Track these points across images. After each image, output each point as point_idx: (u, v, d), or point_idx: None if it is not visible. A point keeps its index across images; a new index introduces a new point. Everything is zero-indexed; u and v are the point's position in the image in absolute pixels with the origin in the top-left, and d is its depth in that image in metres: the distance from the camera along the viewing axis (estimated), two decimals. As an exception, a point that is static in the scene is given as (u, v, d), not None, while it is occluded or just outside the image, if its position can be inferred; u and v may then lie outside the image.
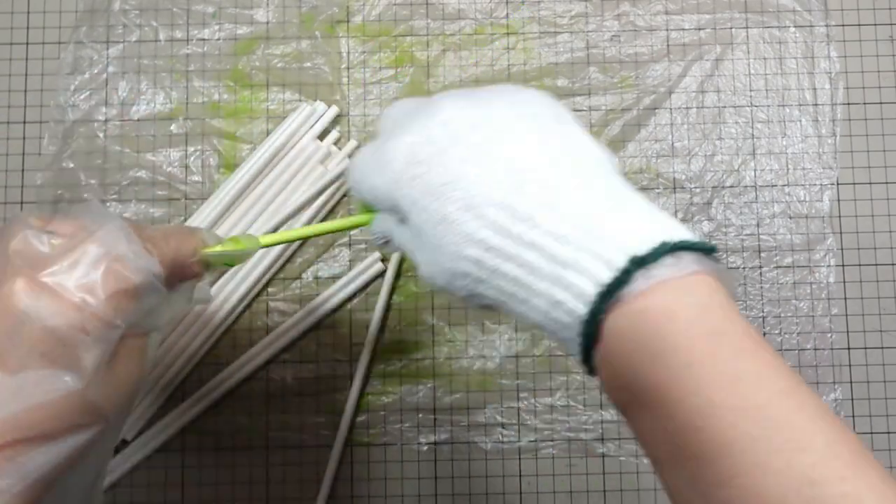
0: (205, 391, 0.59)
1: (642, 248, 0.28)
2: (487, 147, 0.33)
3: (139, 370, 0.36)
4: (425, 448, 0.60)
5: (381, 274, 0.61)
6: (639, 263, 0.28)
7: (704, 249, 0.29)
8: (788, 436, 0.26)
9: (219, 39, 0.63)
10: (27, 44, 0.63)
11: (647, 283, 0.28)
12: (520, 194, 0.31)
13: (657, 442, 0.30)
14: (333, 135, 0.62)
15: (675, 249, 0.28)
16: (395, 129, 0.36)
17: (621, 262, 0.28)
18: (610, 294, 0.28)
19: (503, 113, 0.34)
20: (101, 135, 0.62)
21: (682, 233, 0.29)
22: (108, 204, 0.61)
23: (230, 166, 0.62)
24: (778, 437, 0.26)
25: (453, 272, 0.33)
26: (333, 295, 0.61)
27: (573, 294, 0.29)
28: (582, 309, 0.29)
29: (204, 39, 0.63)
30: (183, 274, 0.38)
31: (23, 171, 0.62)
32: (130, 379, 0.35)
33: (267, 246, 0.43)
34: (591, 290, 0.28)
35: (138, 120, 0.62)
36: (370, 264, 0.61)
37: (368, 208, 0.40)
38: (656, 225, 0.30)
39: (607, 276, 0.28)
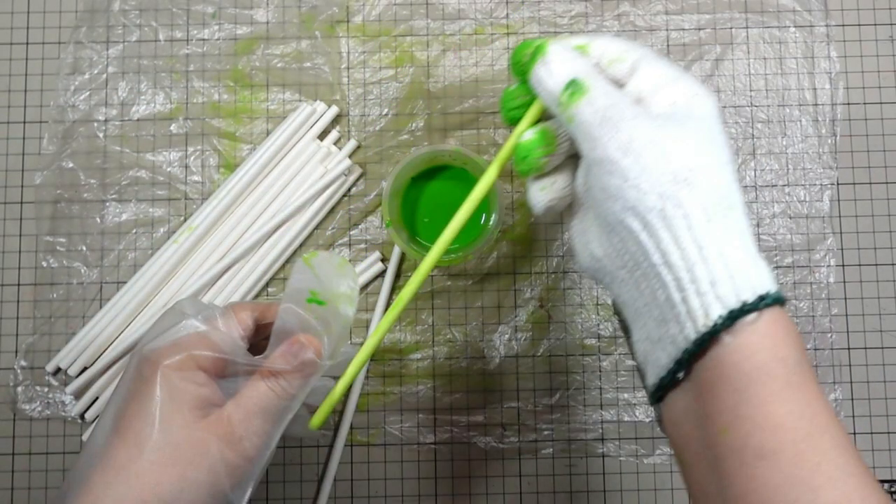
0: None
1: (770, 288, 0.33)
2: (715, 144, 0.36)
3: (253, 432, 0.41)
4: (425, 448, 0.60)
5: (381, 274, 0.61)
6: (774, 300, 0.32)
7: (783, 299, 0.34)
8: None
9: (218, 39, 0.63)
10: (27, 44, 0.63)
11: (771, 316, 0.32)
12: (680, 205, 0.34)
13: (700, 457, 0.34)
14: (333, 135, 0.62)
15: (777, 302, 0.33)
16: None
17: (762, 291, 0.32)
18: (745, 312, 0.32)
19: (711, 125, 0.37)
20: (101, 135, 0.62)
21: (771, 284, 0.33)
22: (107, 204, 0.61)
23: (230, 166, 0.62)
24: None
25: (610, 228, 0.36)
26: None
27: (717, 297, 0.32)
28: (719, 310, 0.32)
29: (204, 39, 0.63)
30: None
31: (23, 171, 0.62)
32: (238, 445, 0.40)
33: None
34: (734, 301, 0.32)
35: (138, 120, 0.62)
36: (370, 264, 0.61)
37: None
38: (773, 275, 0.34)
39: (750, 297, 0.32)
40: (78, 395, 0.59)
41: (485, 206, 0.57)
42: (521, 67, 0.39)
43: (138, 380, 0.39)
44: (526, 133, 0.40)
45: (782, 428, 0.31)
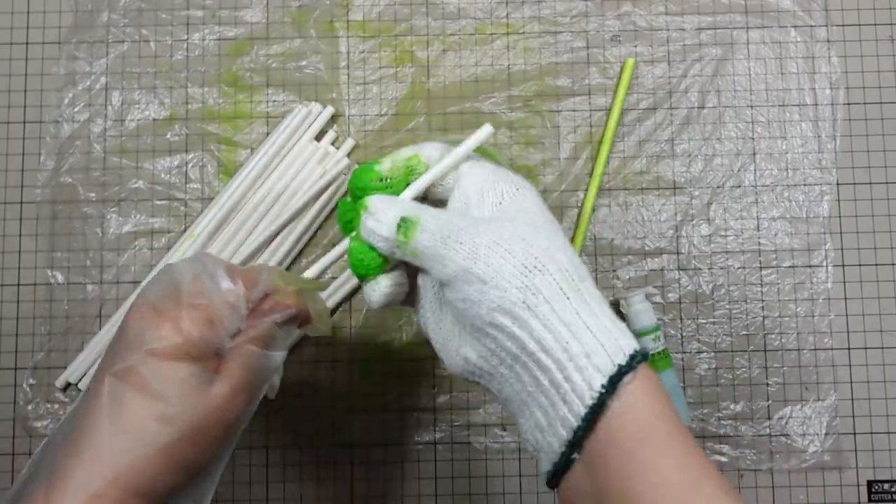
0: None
1: (635, 346, 0.35)
2: (548, 230, 0.38)
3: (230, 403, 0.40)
4: (425, 448, 0.60)
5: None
6: (643, 357, 0.34)
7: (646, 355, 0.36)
8: None
9: (209, 43, 0.63)
10: (27, 44, 0.63)
11: (644, 373, 0.34)
12: (538, 294, 0.36)
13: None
14: (331, 135, 0.62)
15: (644, 358, 0.35)
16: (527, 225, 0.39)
17: (632, 351, 0.34)
18: (622, 374, 0.34)
19: (533, 202, 0.39)
20: (98, 147, 0.62)
21: (634, 342, 0.35)
22: (108, 216, 0.61)
23: (229, 172, 0.62)
24: None
25: (480, 333, 0.37)
26: (332, 295, 0.61)
27: (596, 368, 0.34)
28: (601, 379, 0.34)
29: (195, 44, 0.63)
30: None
31: (22, 171, 0.62)
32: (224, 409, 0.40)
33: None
34: (610, 368, 0.34)
35: (135, 130, 0.62)
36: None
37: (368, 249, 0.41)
38: (629, 336, 0.35)
39: (623, 360, 0.34)
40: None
41: None
42: (348, 226, 0.42)
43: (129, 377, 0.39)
44: (354, 240, 0.41)
45: (670, 483, 0.32)
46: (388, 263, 0.40)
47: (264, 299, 0.43)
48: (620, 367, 0.34)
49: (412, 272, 0.41)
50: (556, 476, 0.36)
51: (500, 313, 0.36)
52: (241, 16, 0.63)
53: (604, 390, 0.33)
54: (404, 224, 0.39)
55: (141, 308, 0.39)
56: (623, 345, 0.34)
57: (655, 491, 0.32)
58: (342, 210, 0.43)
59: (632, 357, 0.34)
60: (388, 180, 0.41)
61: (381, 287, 0.41)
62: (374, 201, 0.40)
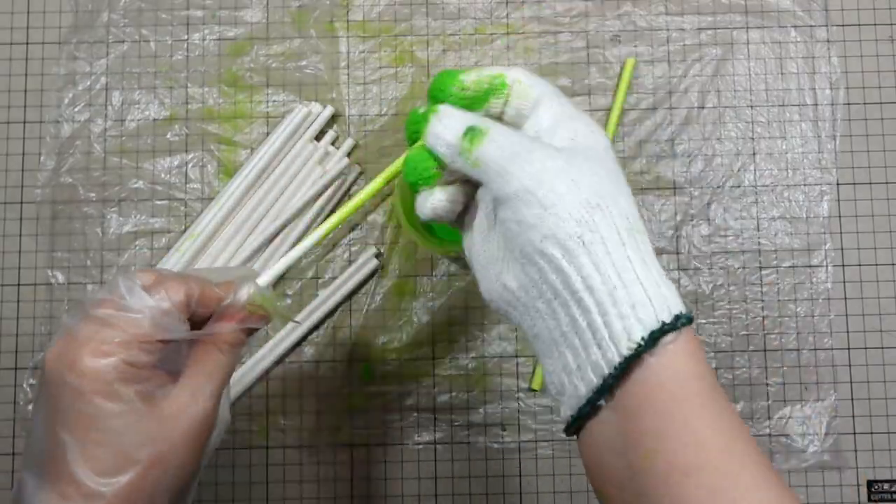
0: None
1: (682, 308, 0.34)
2: (616, 175, 0.37)
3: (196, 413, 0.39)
4: (425, 448, 0.60)
5: (377, 270, 0.61)
6: (688, 319, 0.33)
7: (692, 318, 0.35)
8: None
9: (209, 43, 0.63)
10: (27, 44, 0.63)
11: (685, 335, 0.33)
12: (592, 226, 0.35)
13: (620, 473, 0.34)
14: (330, 135, 0.62)
15: (688, 321, 0.34)
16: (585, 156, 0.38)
17: (677, 311, 0.33)
18: (664, 332, 0.33)
19: (604, 142, 0.38)
20: (98, 147, 0.62)
21: (682, 304, 0.34)
22: (108, 216, 0.61)
23: (229, 172, 0.62)
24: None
25: (527, 260, 0.36)
26: (331, 295, 0.61)
27: (639, 320, 0.33)
28: (641, 331, 0.33)
29: (195, 44, 0.63)
30: (205, 308, 0.41)
31: (22, 171, 0.62)
32: (185, 419, 0.38)
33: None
34: (654, 323, 0.33)
35: (135, 129, 0.62)
36: (365, 262, 0.61)
37: (430, 166, 0.40)
38: (677, 298, 0.35)
39: (668, 318, 0.33)
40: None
41: None
42: (415, 136, 0.40)
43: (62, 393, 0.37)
44: (416, 147, 0.40)
45: (705, 444, 0.32)
46: (442, 177, 0.39)
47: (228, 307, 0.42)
48: (664, 324, 0.33)
49: (470, 191, 0.40)
50: (577, 421, 0.35)
51: (553, 243, 0.35)
52: (241, 16, 0.63)
53: (643, 342, 0.33)
54: (471, 132, 0.37)
55: (56, 348, 0.37)
56: (671, 304, 0.33)
57: (688, 451, 0.32)
58: (412, 118, 0.41)
59: (677, 317, 0.33)
60: (469, 91, 0.39)
61: (434, 198, 0.40)
62: (446, 108, 0.39)
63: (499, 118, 0.40)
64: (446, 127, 0.38)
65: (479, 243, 0.40)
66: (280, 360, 0.61)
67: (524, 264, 0.36)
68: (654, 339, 0.32)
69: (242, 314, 0.42)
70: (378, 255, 0.61)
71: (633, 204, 0.36)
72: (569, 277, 0.34)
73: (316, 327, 0.61)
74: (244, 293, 0.42)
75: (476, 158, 0.37)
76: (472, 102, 0.39)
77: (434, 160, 0.39)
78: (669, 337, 0.33)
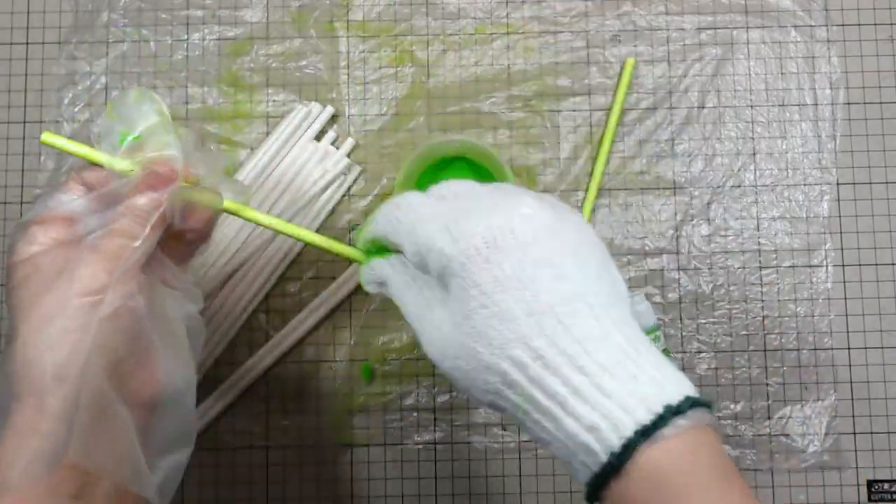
0: (210, 402, 0.59)
1: (675, 399, 0.31)
2: (561, 259, 0.34)
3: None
4: (425, 448, 0.60)
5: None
6: (673, 412, 0.31)
7: (708, 404, 0.32)
8: None
9: (209, 42, 0.63)
10: (27, 44, 0.63)
11: (674, 431, 0.30)
12: (577, 316, 0.33)
13: None
14: (330, 135, 0.62)
15: (696, 404, 0.31)
16: (473, 203, 0.37)
17: (658, 408, 0.30)
18: (644, 434, 0.30)
19: (574, 229, 0.36)
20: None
21: (691, 388, 0.32)
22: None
23: (228, 172, 0.62)
24: None
25: (488, 366, 0.34)
26: (331, 295, 0.61)
27: (610, 424, 0.31)
28: (616, 441, 0.31)
29: (195, 44, 0.63)
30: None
31: (22, 171, 0.62)
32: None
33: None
34: (630, 425, 0.30)
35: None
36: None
37: (377, 248, 0.41)
38: (681, 379, 0.32)
39: (646, 417, 0.30)
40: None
41: None
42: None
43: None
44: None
45: None
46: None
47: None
48: (629, 438, 0.30)
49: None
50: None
51: (497, 397, 0.34)
52: (241, 16, 0.63)
53: (613, 458, 0.31)
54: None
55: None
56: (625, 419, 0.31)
57: None
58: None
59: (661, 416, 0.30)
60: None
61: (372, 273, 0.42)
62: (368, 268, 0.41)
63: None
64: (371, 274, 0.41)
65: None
66: (280, 360, 0.60)
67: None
68: (628, 450, 0.30)
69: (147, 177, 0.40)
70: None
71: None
72: (527, 415, 0.33)
73: (316, 327, 0.61)
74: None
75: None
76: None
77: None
78: (650, 442, 0.30)
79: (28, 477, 0.34)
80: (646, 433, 0.30)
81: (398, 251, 0.39)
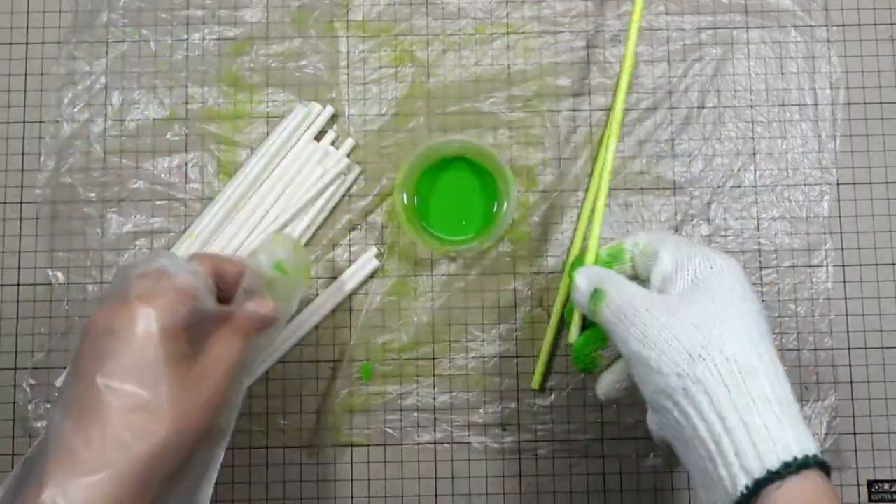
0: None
1: (803, 452, 0.35)
2: (727, 306, 0.39)
3: (215, 389, 0.42)
4: (425, 448, 0.60)
5: (378, 270, 0.61)
6: (801, 465, 0.34)
7: (827, 464, 0.36)
8: None
9: (209, 42, 0.63)
10: (27, 44, 0.63)
11: (799, 482, 0.34)
12: (757, 378, 0.37)
13: None
14: (330, 135, 0.62)
15: (819, 463, 0.35)
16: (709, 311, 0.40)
17: (788, 458, 0.34)
18: (770, 480, 0.34)
19: (740, 278, 0.41)
20: (98, 147, 0.62)
21: (814, 445, 0.36)
22: (108, 216, 0.61)
23: (228, 172, 0.62)
24: None
25: (679, 372, 0.38)
26: (332, 296, 0.61)
27: (742, 468, 0.35)
28: (745, 480, 0.35)
29: (195, 44, 0.63)
30: (227, 283, 0.46)
31: (22, 170, 0.62)
32: (204, 399, 0.42)
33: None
34: (758, 470, 0.34)
35: (135, 129, 0.62)
36: (365, 262, 0.61)
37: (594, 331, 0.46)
38: (809, 435, 0.36)
39: (775, 465, 0.34)
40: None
41: (496, 195, 0.57)
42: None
43: (113, 331, 0.39)
44: (575, 333, 0.46)
45: None
46: (604, 360, 0.45)
47: (252, 293, 0.46)
48: (769, 472, 0.34)
49: None
50: None
51: (664, 396, 0.38)
52: (241, 16, 0.63)
53: (745, 490, 0.34)
54: (596, 296, 0.42)
55: (104, 306, 0.40)
56: (780, 450, 0.35)
57: None
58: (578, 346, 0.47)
59: (787, 465, 0.34)
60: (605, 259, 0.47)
61: (604, 383, 0.45)
62: (580, 273, 0.45)
63: (634, 275, 0.46)
64: (579, 291, 0.44)
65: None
66: (280, 360, 0.60)
67: (654, 411, 0.40)
68: (758, 486, 0.34)
69: (259, 302, 0.46)
70: (378, 256, 0.61)
71: (749, 342, 0.38)
72: (682, 426, 0.38)
73: (316, 327, 0.61)
74: (254, 271, 0.47)
75: (600, 319, 0.42)
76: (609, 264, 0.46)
77: (591, 345, 0.45)
78: (775, 485, 0.34)
79: None
80: (770, 478, 0.34)
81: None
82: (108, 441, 0.37)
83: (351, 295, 0.61)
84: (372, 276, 0.61)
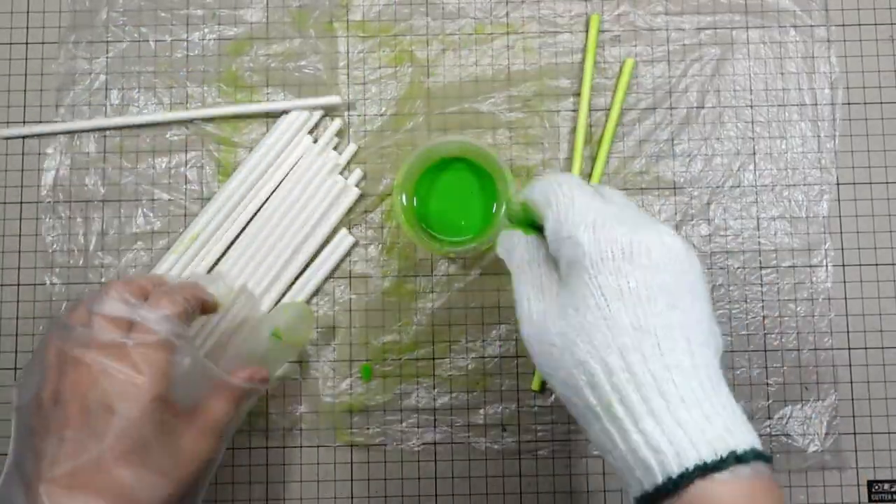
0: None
1: (741, 447, 0.33)
2: (678, 291, 0.37)
3: (205, 447, 0.47)
4: (425, 448, 0.60)
5: (354, 246, 0.61)
6: (736, 459, 0.32)
7: (770, 459, 0.34)
8: None
9: (209, 42, 0.63)
10: (27, 44, 0.63)
11: (731, 477, 0.32)
12: (675, 347, 0.35)
13: None
14: (329, 135, 0.62)
15: (760, 458, 0.33)
16: (626, 215, 0.39)
17: (724, 451, 0.32)
18: (704, 470, 0.32)
19: (696, 270, 0.38)
20: (98, 147, 0.62)
21: (757, 441, 0.34)
22: (107, 217, 0.61)
23: (227, 173, 0.62)
24: None
25: (580, 361, 0.36)
26: (311, 277, 0.61)
27: (674, 451, 0.33)
28: (675, 468, 0.32)
29: (195, 43, 0.63)
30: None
31: (22, 171, 0.62)
32: (194, 456, 0.46)
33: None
34: (693, 458, 0.32)
35: (134, 129, 0.62)
36: (340, 241, 0.61)
37: (521, 217, 0.45)
38: (749, 431, 0.34)
39: (710, 456, 0.32)
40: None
41: (496, 195, 0.57)
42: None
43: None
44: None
45: None
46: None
47: (246, 370, 0.51)
48: (687, 469, 0.32)
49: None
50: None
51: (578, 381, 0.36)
52: (241, 15, 0.63)
53: (669, 483, 0.33)
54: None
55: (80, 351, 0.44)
56: (704, 441, 0.33)
57: None
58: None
59: (715, 461, 0.32)
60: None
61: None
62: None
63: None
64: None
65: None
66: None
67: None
68: (678, 484, 0.32)
69: (250, 372, 0.50)
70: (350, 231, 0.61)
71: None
72: (598, 417, 0.36)
73: (317, 327, 0.61)
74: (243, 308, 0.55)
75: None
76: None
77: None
78: (705, 480, 0.32)
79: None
80: (705, 470, 0.32)
81: (538, 227, 0.42)
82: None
83: (351, 295, 0.61)
84: (347, 254, 0.61)
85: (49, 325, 0.49)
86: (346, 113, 0.63)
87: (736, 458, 0.32)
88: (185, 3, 0.63)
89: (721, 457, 0.32)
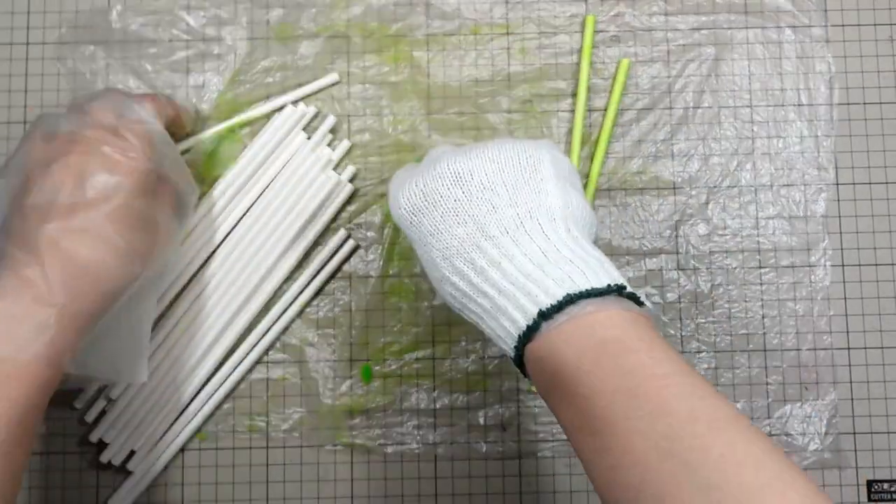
0: (203, 397, 0.59)
1: (575, 288, 0.37)
2: (466, 204, 0.41)
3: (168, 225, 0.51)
4: (425, 448, 0.60)
5: (355, 250, 0.62)
6: (568, 301, 0.36)
7: (632, 296, 0.38)
8: (652, 407, 0.32)
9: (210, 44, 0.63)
10: (27, 44, 0.63)
11: (578, 310, 0.36)
12: (481, 251, 0.40)
13: (566, 421, 0.37)
14: (327, 135, 0.62)
15: (606, 292, 0.37)
16: (408, 176, 0.45)
17: (560, 295, 0.36)
18: (545, 317, 0.37)
19: (485, 167, 0.42)
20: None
21: (606, 278, 0.37)
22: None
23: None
24: (644, 407, 0.32)
25: (440, 293, 0.44)
26: (311, 279, 0.61)
27: (516, 318, 0.38)
28: (523, 323, 0.37)
29: (195, 42, 0.63)
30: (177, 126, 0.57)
31: (23, 172, 0.62)
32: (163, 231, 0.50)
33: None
34: (533, 311, 0.37)
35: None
36: (340, 244, 0.61)
37: None
38: (613, 275, 0.38)
39: (546, 304, 0.37)
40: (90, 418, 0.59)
41: None
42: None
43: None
44: None
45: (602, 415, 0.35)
46: None
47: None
48: (542, 310, 0.37)
49: None
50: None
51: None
52: (222, 33, 0.63)
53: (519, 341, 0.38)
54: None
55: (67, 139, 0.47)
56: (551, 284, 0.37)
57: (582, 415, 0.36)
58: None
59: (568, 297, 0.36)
60: None
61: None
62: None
63: None
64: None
65: None
66: (280, 360, 0.60)
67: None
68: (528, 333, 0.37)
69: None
70: (349, 236, 0.61)
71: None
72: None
73: (317, 327, 0.61)
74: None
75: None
76: None
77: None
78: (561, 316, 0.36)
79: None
80: (547, 315, 0.36)
81: None
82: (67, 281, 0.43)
83: (351, 296, 0.61)
84: (350, 255, 0.61)
85: (36, 120, 0.50)
86: (341, 112, 0.63)
87: (596, 293, 0.36)
88: (186, 4, 0.63)
89: (558, 300, 0.36)
